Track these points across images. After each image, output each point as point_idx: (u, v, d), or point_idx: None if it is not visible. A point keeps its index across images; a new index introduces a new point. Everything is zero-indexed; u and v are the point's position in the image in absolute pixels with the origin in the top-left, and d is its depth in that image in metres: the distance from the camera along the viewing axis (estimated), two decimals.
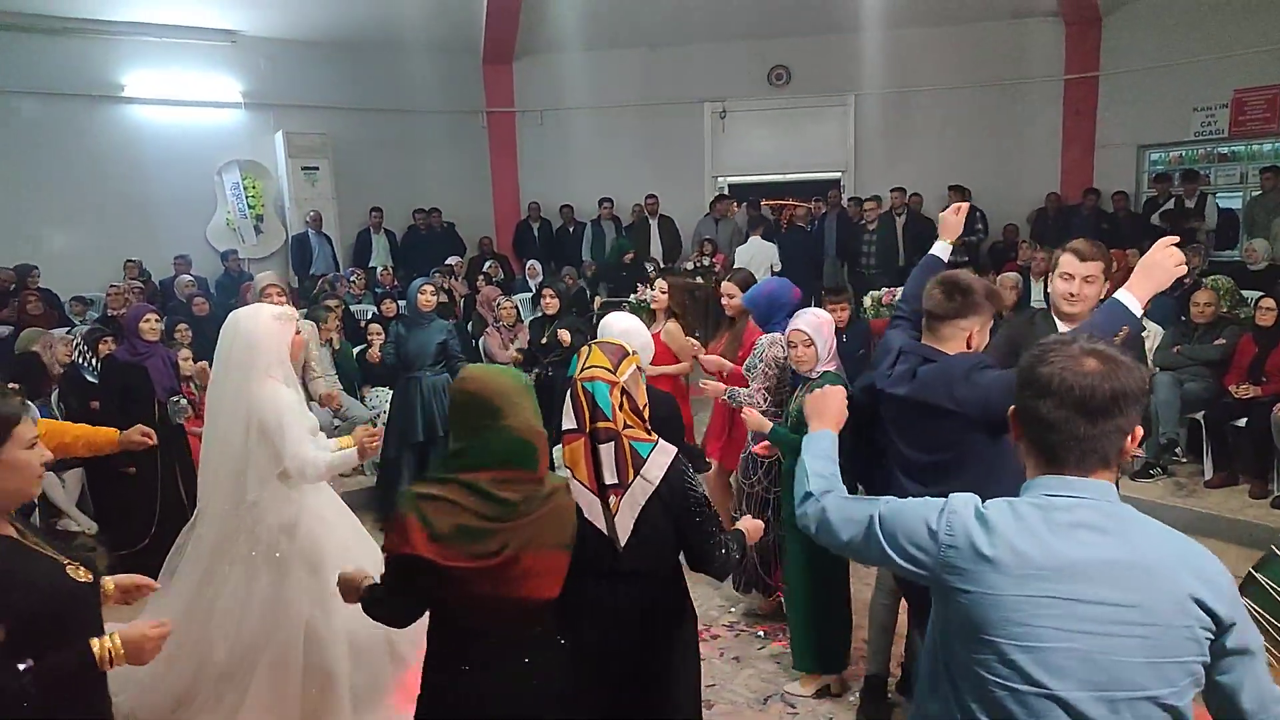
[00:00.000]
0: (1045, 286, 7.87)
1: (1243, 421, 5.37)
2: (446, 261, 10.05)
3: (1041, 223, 10.14)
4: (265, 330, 3.08)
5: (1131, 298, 2.31)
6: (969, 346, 2.59)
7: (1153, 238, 2.55)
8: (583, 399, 2.16)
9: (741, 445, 4.11)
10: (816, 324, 3.30)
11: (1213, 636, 1.34)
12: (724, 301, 4.58)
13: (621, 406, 2.18)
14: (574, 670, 2.09)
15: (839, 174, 11.57)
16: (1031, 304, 7.10)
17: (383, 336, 6.09)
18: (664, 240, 10.77)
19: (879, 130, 11.09)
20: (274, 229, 10.50)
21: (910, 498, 1.61)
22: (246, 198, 10.25)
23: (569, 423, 2.18)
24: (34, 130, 8.93)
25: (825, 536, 1.70)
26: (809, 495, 1.75)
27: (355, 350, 6.68)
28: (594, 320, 8.64)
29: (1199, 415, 5.61)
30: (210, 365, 3.39)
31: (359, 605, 2.10)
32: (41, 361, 5.72)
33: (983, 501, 1.49)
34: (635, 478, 2.15)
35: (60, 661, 1.76)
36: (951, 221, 3.09)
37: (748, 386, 3.86)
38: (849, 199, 10.54)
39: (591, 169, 11.46)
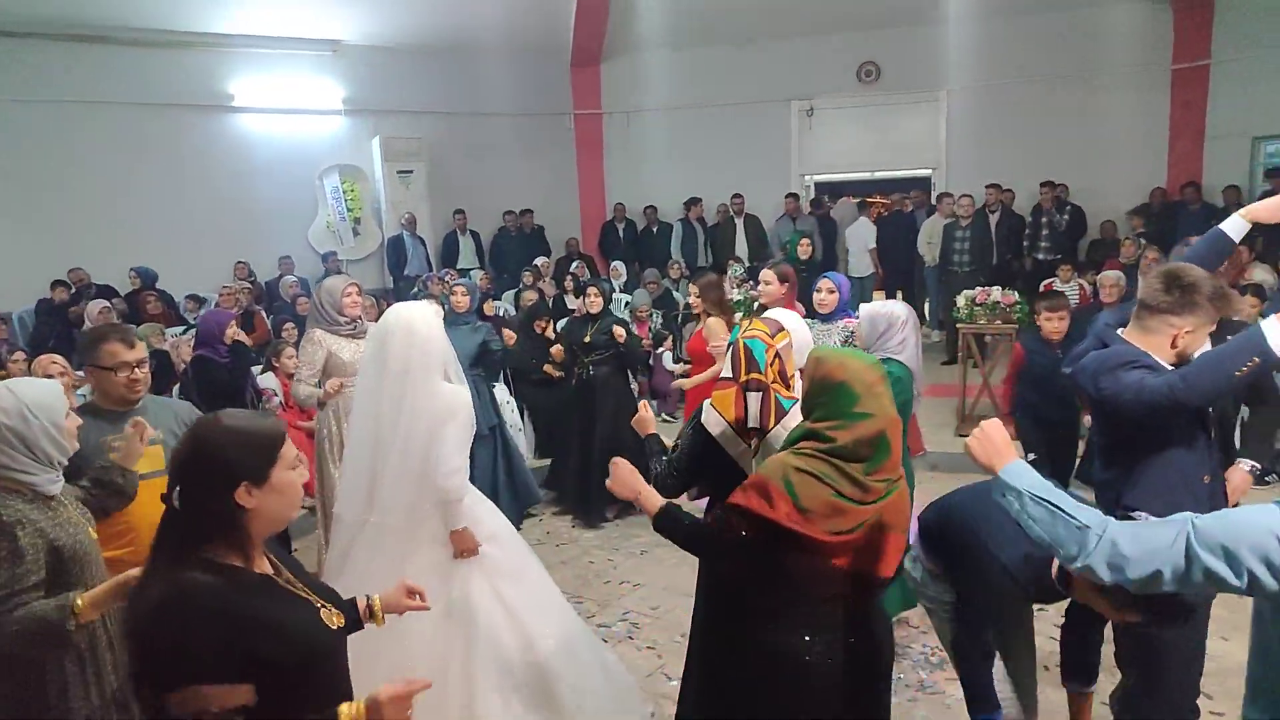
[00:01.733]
0: None
1: None
2: (534, 262, 10.24)
3: (1146, 219, 9.73)
4: (437, 327, 2.98)
5: (1275, 328, 2.15)
6: (1174, 347, 2.42)
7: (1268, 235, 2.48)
8: (741, 354, 2.46)
9: None
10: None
11: None
12: (759, 289, 4.68)
13: (773, 364, 2.45)
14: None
15: (929, 171, 11.35)
16: None
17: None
18: (750, 240, 10.74)
19: (971, 125, 10.82)
20: (370, 231, 10.88)
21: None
22: (345, 201, 10.65)
23: (726, 372, 2.50)
24: (150, 140, 9.45)
25: (1119, 575, 1.53)
26: (1086, 530, 1.57)
27: None
28: (679, 320, 8.70)
29: None
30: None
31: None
32: (170, 360, 6.08)
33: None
34: (775, 425, 2.39)
35: None
36: (1271, 206, 2.64)
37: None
38: (939, 195, 10.30)
39: (677, 169, 11.51)
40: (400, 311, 3.00)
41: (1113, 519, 1.59)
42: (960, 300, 7.16)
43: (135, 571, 1.74)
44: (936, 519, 2.75)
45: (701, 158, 11.45)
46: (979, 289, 7.12)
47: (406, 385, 2.88)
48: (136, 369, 2.70)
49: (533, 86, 11.59)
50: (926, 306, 10.36)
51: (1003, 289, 7.08)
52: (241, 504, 1.53)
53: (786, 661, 2.10)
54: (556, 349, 6.27)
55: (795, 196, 10.98)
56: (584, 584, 4.79)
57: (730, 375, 2.48)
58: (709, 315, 5.28)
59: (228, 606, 1.48)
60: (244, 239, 9.79)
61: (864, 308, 3.76)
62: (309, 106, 10.46)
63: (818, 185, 12.00)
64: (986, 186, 9.75)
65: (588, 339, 5.81)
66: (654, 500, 2.28)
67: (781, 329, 2.57)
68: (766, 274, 4.57)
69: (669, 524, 2.23)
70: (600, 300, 5.89)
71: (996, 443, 1.80)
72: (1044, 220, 9.75)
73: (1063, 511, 1.60)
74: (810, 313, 4.40)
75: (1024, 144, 10.43)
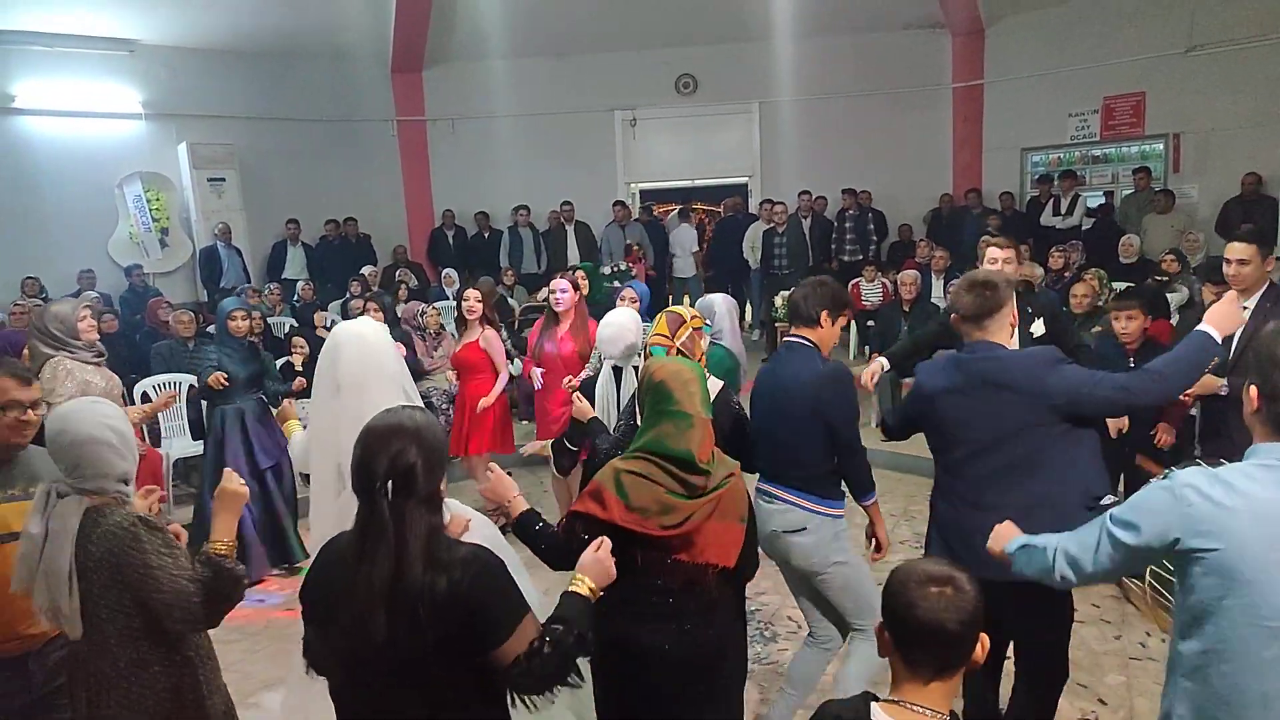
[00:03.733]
0: (945, 284, 8.39)
1: None
2: (361, 271, 10.00)
3: (936, 222, 10.76)
4: (389, 341, 2.92)
5: (1213, 329, 2.50)
6: (1012, 327, 2.77)
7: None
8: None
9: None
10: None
11: None
12: (552, 299, 5.05)
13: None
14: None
15: (746, 179, 12.00)
16: (932, 300, 7.56)
17: (307, 350, 6.07)
18: (580, 246, 10.96)
19: (783, 136, 11.53)
20: (180, 242, 10.25)
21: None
22: (150, 210, 9.98)
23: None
24: None
25: (1074, 569, 1.87)
26: (1044, 550, 1.94)
27: (279, 362, 6.63)
28: (515, 327, 8.77)
29: None
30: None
31: None
32: None
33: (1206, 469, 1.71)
34: None
35: None
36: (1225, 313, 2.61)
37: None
38: (761, 202, 10.93)
39: (506, 176, 11.55)
40: (350, 327, 2.95)
41: (1056, 535, 1.94)
42: (778, 300, 7.67)
43: (233, 484, 2.21)
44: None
45: (530, 165, 11.54)
46: (795, 289, 7.64)
47: (364, 401, 2.72)
48: (30, 409, 2.43)
49: (353, 92, 11.29)
50: (749, 308, 10.96)
51: None
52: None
53: (633, 650, 2.22)
54: (299, 383, 5.62)
55: (623, 204, 11.30)
56: None
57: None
58: (487, 324, 5.38)
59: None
60: (34, 253, 8.96)
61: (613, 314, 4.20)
62: (104, 110, 9.73)
63: (642, 192, 12.40)
64: (799, 194, 10.44)
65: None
66: (518, 507, 2.35)
67: (683, 322, 2.99)
68: (561, 282, 4.99)
69: (524, 534, 2.32)
70: (381, 315, 5.64)
71: (1005, 536, 2.15)
72: (848, 224, 10.58)
73: (1033, 546, 2.00)
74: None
75: (831, 154, 11.24)
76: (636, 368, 3.48)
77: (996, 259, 3.75)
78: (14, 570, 2.09)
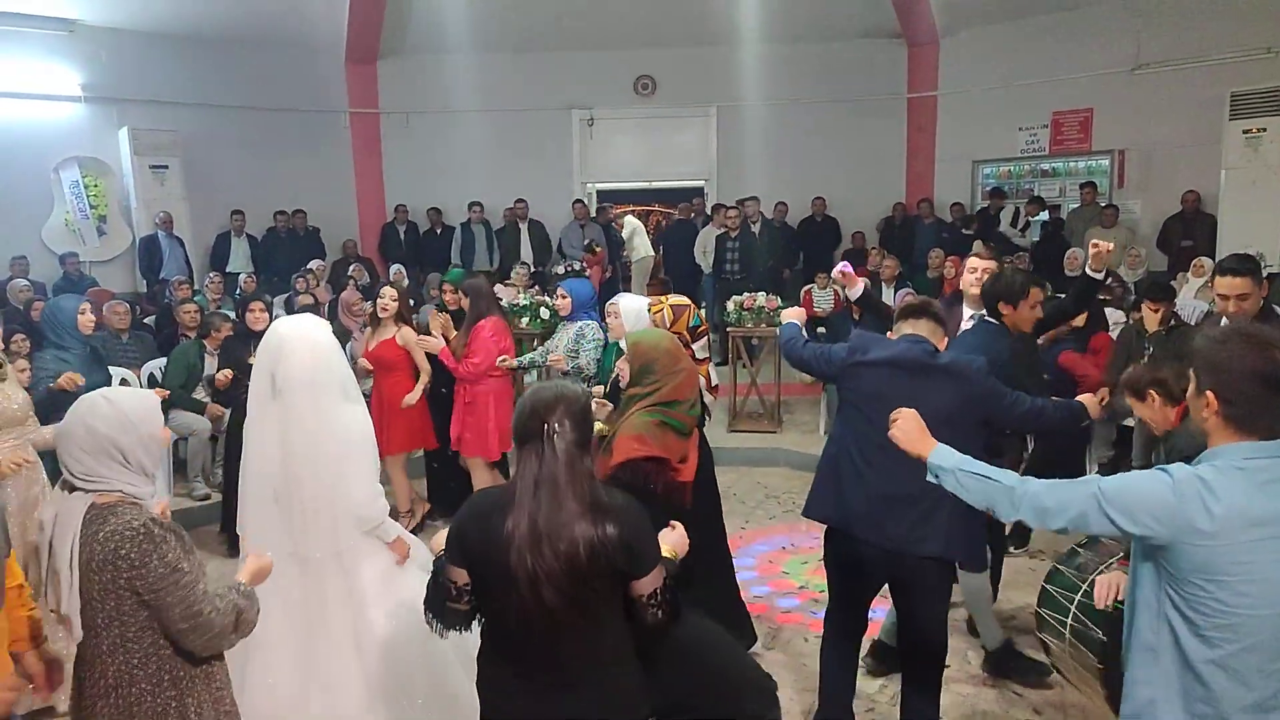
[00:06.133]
0: (895, 292, 8.46)
1: None
2: (308, 266, 9.79)
3: (889, 231, 10.86)
4: (335, 341, 2.85)
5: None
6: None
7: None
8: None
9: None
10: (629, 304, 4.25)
11: None
12: (447, 298, 5.32)
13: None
14: None
15: (703, 182, 12.00)
16: None
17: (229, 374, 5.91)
18: (534, 244, 10.86)
19: (740, 141, 11.54)
20: (119, 230, 9.93)
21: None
22: (87, 197, 9.66)
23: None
24: None
25: (1040, 520, 1.90)
26: (1010, 489, 1.94)
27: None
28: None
29: None
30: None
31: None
32: None
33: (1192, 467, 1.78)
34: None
35: None
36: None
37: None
38: (714, 206, 10.93)
39: (460, 172, 11.40)
40: (294, 325, 2.83)
41: (1028, 478, 1.97)
42: (730, 305, 7.67)
43: (268, 560, 2.25)
44: None
45: (484, 161, 11.39)
46: (746, 295, 7.65)
47: (310, 404, 2.69)
48: None
49: (304, 81, 11.04)
50: (702, 312, 10.93)
51: (767, 294, 7.66)
52: None
53: None
54: (222, 374, 5.48)
55: (583, 203, 11.23)
56: None
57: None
58: (402, 321, 5.36)
59: None
60: None
61: (622, 298, 4.40)
62: (39, 91, 9.38)
63: (600, 193, 12.33)
64: (748, 199, 10.44)
65: (253, 359, 5.41)
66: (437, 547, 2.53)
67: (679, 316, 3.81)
68: (449, 285, 5.31)
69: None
70: (266, 315, 5.43)
71: (915, 432, 2.15)
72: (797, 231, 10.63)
73: (989, 478, 1.98)
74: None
75: (787, 160, 11.28)
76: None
77: (977, 268, 4.07)
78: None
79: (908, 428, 2.16)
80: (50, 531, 2.00)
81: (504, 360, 5.16)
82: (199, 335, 6.17)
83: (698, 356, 3.76)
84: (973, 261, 4.18)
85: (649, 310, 3.93)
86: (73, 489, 2.02)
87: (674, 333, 3.56)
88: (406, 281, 9.43)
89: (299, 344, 2.73)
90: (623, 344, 3.94)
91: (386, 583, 2.86)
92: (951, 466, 2.05)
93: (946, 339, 3.08)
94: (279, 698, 2.75)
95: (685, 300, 4.01)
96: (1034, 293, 3.67)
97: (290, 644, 2.78)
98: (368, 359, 5.43)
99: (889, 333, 3.10)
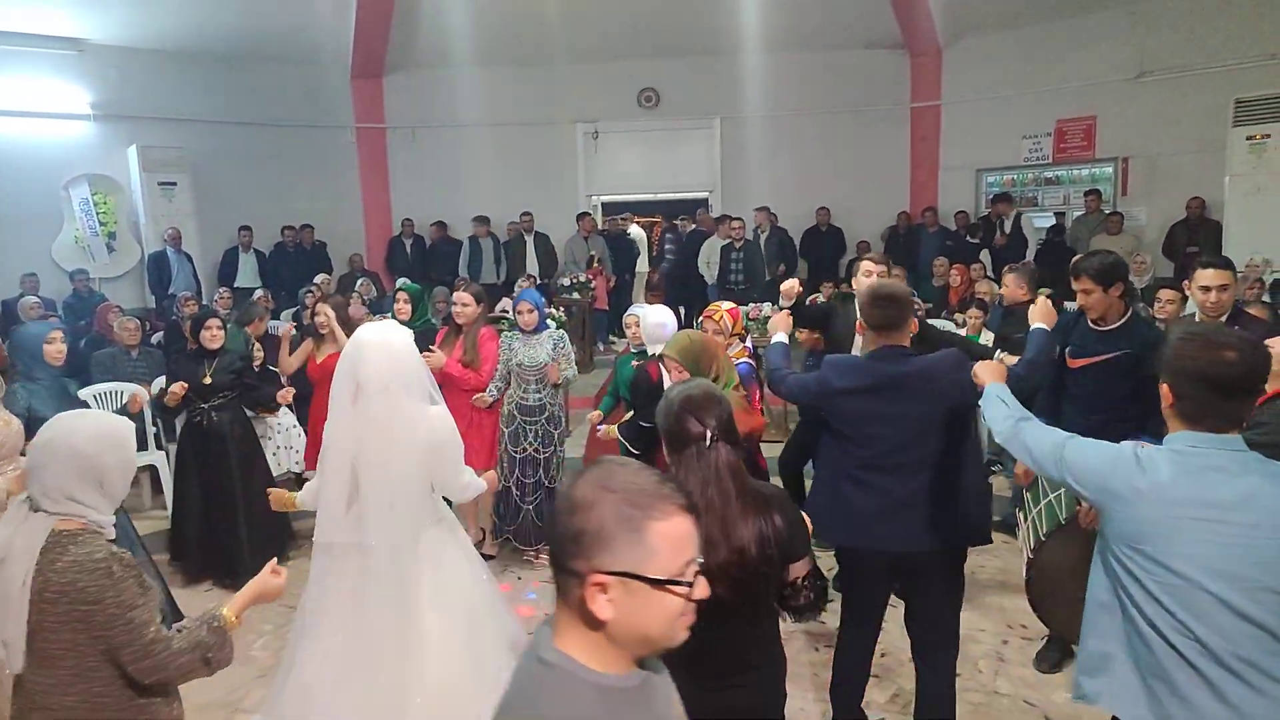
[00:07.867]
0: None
1: None
2: (315, 279, 9.83)
3: (893, 240, 10.88)
4: (412, 346, 2.98)
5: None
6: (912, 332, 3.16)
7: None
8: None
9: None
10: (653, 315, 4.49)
11: None
12: (454, 309, 5.11)
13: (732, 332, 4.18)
14: None
15: (707, 194, 12.04)
16: None
17: (263, 355, 6.04)
18: (540, 257, 10.90)
19: (743, 152, 11.59)
20: (128, 246, 10.02)
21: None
22: (97, 214, 9.75)
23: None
24: None
25: (1022, 455, 2.22)
26: (1011, 419, 2.31)
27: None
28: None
29: None
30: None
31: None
32: None
33: (1137, 447, 2.00)
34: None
35: None
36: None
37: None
38: (719, 217, 10.95)
39: (465, 186, 11.47)
40: (374, 330, 2.96)
41: (1032, 419, 2.29)
42: None
43: (280, 580, 2.19)
44: None
45: (490, 175, 11.47)
46: (751, 305, 7.66)
47: (387, 406, 2.83)
48: None
49: (311, 97, 11.14)
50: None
51: (773, 305, 7.66)
52: None
53: None
54: (174, 389, 4.98)
55: (590, 215, 11.27)
56: None
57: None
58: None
59: None
60: None
61: (643, 310, 4.70)
62: (49, 110, 9.48)
63: (604, 205, 12.38)
64: (755, 210, 10.48)
65: (208, 379, 4.96)
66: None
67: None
68: (461, 295, 5.13)
69: None
70: (221, 334, 5.12)
71: (992, 373, 2.60)
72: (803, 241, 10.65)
73: (1006, 404, 2.38)
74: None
75: (791, 170, 11.32)
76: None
77: (871, 272, 4.15)
78: None
79: (981, 371, 2.62)
80: (2, 553, 1.91)
81: (479, 398, 5.04)
82: (239, 323, 6.29)
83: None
84: (865, 265, 4.26)
85: (712, 317, 4.21)
86: (36, 508, 1.95)
87: (735, 333, 4.03)
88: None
89: (377, 350, 2.86)
90: (651, 351, 4.35)
91: (444, 579, 2.97)
92: (992, 395, 2.46)
93: (916, 320, 3.21)
94: (324, 679, 2.86)
95: (732, 304, 4.41)
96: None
97: (340, 630, 2.91)
98: (315, 371, 5.41)
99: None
